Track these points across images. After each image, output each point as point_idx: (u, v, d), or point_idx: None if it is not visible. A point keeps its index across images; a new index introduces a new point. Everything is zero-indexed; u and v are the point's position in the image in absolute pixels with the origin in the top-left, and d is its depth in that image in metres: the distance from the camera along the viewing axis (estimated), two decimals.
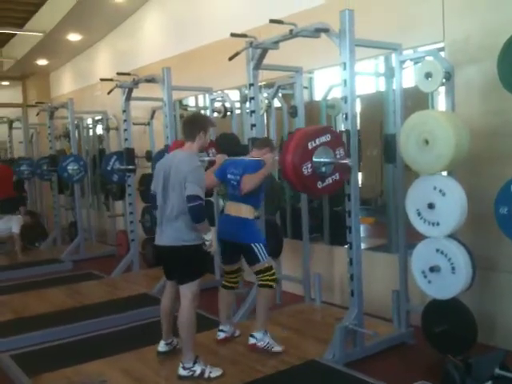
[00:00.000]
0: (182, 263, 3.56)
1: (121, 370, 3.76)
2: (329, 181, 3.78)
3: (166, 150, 5.97)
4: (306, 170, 3.64)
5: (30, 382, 3.59)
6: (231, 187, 3.99)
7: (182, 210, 3.48)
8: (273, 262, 3.98)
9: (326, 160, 3.71)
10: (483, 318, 3.95)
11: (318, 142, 3.69)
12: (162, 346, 3.94)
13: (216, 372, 3.56)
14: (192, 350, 3.55)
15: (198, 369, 3.53)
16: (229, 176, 3.97)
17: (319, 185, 3.75)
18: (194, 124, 3.65)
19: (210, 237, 3.54)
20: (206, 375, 3.52)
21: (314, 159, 3.67)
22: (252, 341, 3.87)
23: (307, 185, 3.75)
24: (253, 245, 3.85)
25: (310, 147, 3.65)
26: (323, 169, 3.72)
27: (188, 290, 3.54)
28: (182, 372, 3.54)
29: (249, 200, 3.89)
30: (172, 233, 3.54)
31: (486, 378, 3.01)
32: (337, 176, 3.82)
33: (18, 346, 4.34)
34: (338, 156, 3.77)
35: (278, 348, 3.89)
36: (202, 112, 7.54)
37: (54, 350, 4.27)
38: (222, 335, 4.06)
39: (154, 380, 3.63)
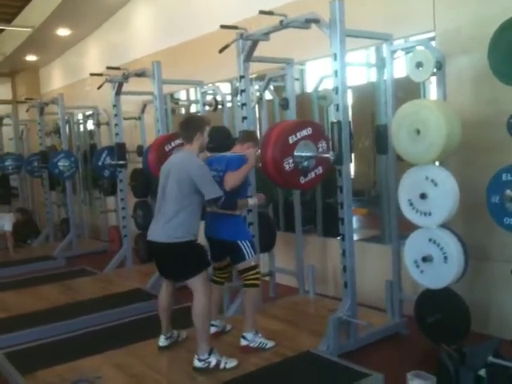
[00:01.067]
0: (178, 260, 3.57)
1: (115, 366, 3.75)
2: (311, 175, 3.77)
3: None
4: (288, 165, 3.61)
5: (24, 380, 3.57)
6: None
7: (179, 207, 3.50)
8: (258, 259, 3.93)
9: (308, 154, 3.68)
10: (476, 307, 3.96)
11: (298, 135, 3.67)
12: (162, 341, 3.94)
13: (231, 363, 3.57)
14: (207, 341, 3.55)
15: (213, 360, 3.53)
16: (213, 173, 3.84)
17: (302, 180, 3.73)
18: (189, 126, 3.67)
19: (252, 202, 3.87)
20: (222, 366, 3.53)
21: (296, 154, 3.63)
22: (244, 342, 3.86)
23: (289, 180, 3.73)
24: (239, 242, 3.79)
25: (290, 142, 3.63)
26: (305, 163, 3.70)
27: (196, 284, 3.54)
28: (197, 364, 3.54)
29: (234, 196, 3.78)
30: (166, 230, 3.54)
31: (479, 366, 3.02)
32: (319, 170, 3.80)
33: (11, 344, 4.31)
34: (320, 149, 3.75)
35: (270, 344, 3.89)
36: (194, 106, 7.50)
37: (47, 347, 4.26)
38: (213, 330, 4.04)
39: (149, 375, 3.61)
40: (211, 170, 3.87)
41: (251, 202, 3.88)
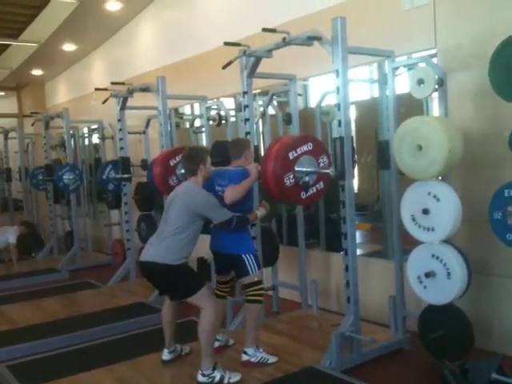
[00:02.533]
0: (173, 283, 3.63)
1: (117, 380, 3.75)
2: (313, 190, 3.77)
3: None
4: (288, 180, 3.61)
5: None
6: (219, 198, 3.85)
7: (175, 231, 3.56)
8: (261, 274, 3.93)
9: (309, 169, 3.69)
10: (479, 322, 3.95)
11: (299, 151, 3.68)
12: (165, 355, 3.95)
13: (235, 377, 3.58)
14: (211, 356, 3.57)
15: (217, 375, 3.54)
16: (217, 188, 3.88)
17: (303, 195, 3.73)
18: (191, 161, 3.76)
19: (260, 214, 3.89)
20: (226, 381, 3.54)
21: (296, 169, 3.65)
22: (245, 357, 3.85)
23: (290, 196, 3.73)
24: (243, 255, 3.79)
25: (291, 157, 3.63)
26: (306, 178, 3.70)
27: (199, 302, 3.56)
28: (200, 379, 3.54)
29: (237, 210, 3.77)
30: (158, 250, 3.57)
31: (483, 382, 3.02)
32: (321, 185, 3.80)
33: (14, 357, 4.33)
34: (321, 164, 3.76)
35: (272, 360, 3.88)
36: (198, 120, 7.54)
37: (50, 360, 4.26)
38: (216, 344, 4.03)
39: None
40: (215, 185, 3.90)
41: (260, 214, 3.91)
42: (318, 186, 3.79)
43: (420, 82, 3.86)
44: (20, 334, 4.93)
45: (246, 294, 3.86)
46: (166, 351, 3.95)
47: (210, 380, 3.53)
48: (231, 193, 3.70)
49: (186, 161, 3.82)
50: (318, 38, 3.72)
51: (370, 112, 5.63)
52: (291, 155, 3.64)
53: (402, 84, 4.35)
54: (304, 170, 3.68)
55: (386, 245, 5.17)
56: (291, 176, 3.63)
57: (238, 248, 3.83)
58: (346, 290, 3.92)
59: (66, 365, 4.10)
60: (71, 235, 8.85)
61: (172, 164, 5.35)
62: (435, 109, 4.58)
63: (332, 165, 3.81)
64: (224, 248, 3.88)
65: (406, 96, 4.47)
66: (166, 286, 3.74)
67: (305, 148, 3.71)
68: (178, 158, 5.30)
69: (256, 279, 3.82)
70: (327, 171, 3.75)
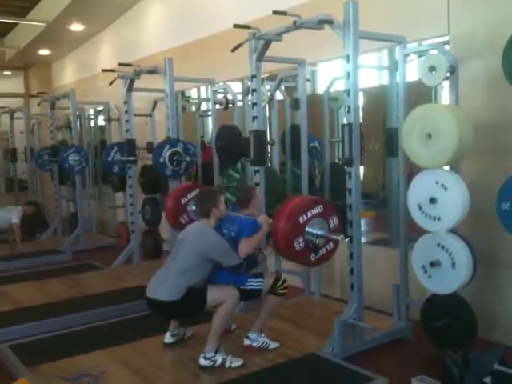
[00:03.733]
0: (181, 312, 3.66)
1: (120, 362, 3.76)
2: (322, 251, 3.75)
3: (168, 141, 5.97)
4: (298, 244, 3.61)
5: (28, 373, 3.58)
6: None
7: (184, 269, 3.54)
8: (272, 274, 3.91)
9: (319, 232, 3.67)
10: (483, 313, 3.93)
11: (309, 214, 3.65)
12: (168, 338, 3.96)
13: (237, 362, 3.59)
14: (216, 341, 3.57)
15: (219, 358, 3.55)
16: (224, 231, 3.82)
17: (312, 257, 3.72)
18: (205, 204, 3.75)
19: (268, 253, 3.83)
20: (227, 365, 3.55)
21: (307, 230, 3.63)
22: (247, 342, 3.85)
23: (300, 258, 3.76)
24: (243, 288, 3.71)
25: (301, 221, 3.61)
26: (316, 241, 3.68)
27: (217, 300, 3.56)
28: (202, 362, 3.56)
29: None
30: (165, 290, 3.53)
31: (485, 373, 3.01)
32: (331, 245, 3.78)
33: (16, 337, 4.34)
34: (331, 225, 3.74)
35: (274, 345, 3.88)
36: (204, 104, 7.50)
37: (52, 340, 4.28)
38: None
39: (153, 372, 3.61)
40: (223, 229, 3.83)
41: (267, 254, 3.85)
42: (327, 246, 3.77)
43: (432, 69, 3.80)
44: (23, 315, 4.94)
45: (276, 292, 3.81)
46: (168, 334, 3.96)
47: (212, 363, 3.54)
48: (245, 247, 3.67)
49: (199, 203, 3.82)
50: (330, 22, 3.67)
51: (377, 99, 5.58)
52: (301, 219, 3.62)
53: (411, 71, 4.30)
54: (314, 232, 3.66)
55: (391, 233, 5.15)
56: (301, 240, 3.62)
57: (237, 283, 3.71)
58: (349, 277, 3.91)
59: (68, 346, 4.11)
60: (75, 217, 8.85)
61: (183, 202, 5.35)
62: (444, 97, 4.53)
63: (341, 230, 3.81)
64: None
65: (415, 83, 4.43)
66: (176, 315, 3.79)
67: (315, 211, 3.69)
68: (189, 196, 5.33)
69: (271, 281, 3.79)
70: (337, 238, 3.72)
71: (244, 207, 3.95)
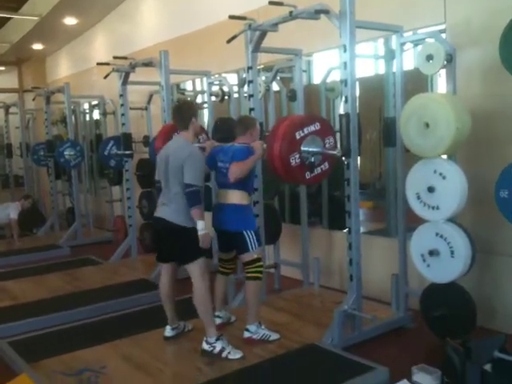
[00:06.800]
0: (180, 243, 3.62)
1: (120, 356, 3.75)
2: (317, 171, 3.74)
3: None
4: (294, 160, 3.58)
5: (29, 368, 3.57)
6: (221, 175, 3.85)
7: (177, 195, 3.57)
8: (262, 252, 3.90)
9: (315, 150, 3.65)
10: (483, 301, 3.94)
11: (306, 131, 3.64)
12: (168, 331, 3.96)
13: (235, 354, 3.58)
14: (212, 325, 3.61)
15: (218, 346, 3.57)
16: (219, 164, 3.84)
17: (307, 175, 3.71)
18: (183, 113, 3.71)
19: (201, 226, 3.51)
20: (224, 355, 3.56)
21: (302, 148, 3.61)
22: (247, 334, 3.85)
23: (295, 176, 3.71)
24: (244, 232, 3.76)
25: (297, 137, 3.59)
26: (312, 159, 3.67)
27: (193, 268, 3.60)
28: (204, 346, 3.61)
29: (240, 186, 3.76)
30: (172, 211, 3.60)
31: (485, 360, 3.02)
32: (326, 165, 3.77)
33: (16, 333, 4.32)
34: (327, 145, 3.72)
35: (274, 336, 3.88)
36: (200, 96, 7.47)
37: (52, 336, 4.26)
38: (218, 321, 4.03)
39: (154, 365, 3.61)
40: (218, 161, 3.86)
41: (198, 226, 3.55)
42: (323, 166, 3.76)
43: (429, 57, 3.78)
44: (22, 310, 4.93)
45: (246, 272, 3.85)
46: (168, 328, 3.96)
47: (211, 349, 3.58)
48: (236, 169, 3.67)
49: (178, 114, 3.76)
50: (326, 12, 3.65)
51: (374, 89, 5.55)
52: (298, 135, 3.60)
53: (407, 60, 4.28)
54: (310, 150, 3.64)
55: (389, 223, 5.15)
56: (297, 156, 3.59)
57: (239, 224, 3.80)
58: (348, 267, 3.90)
59: (67, 341, 4.10)
60: (72, 211, 8.84)
61: None
62: (441, 85, 4.51)
63: (338, 146, 3.77)
64: (225, 224, 3.86)
65: (411, 72, 4.41)
66: (173, 244, 3.69)
67: (312, 128, 3.66)
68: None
69: (255, 256, 3.81)
70: (334, 153, 3.70)
71: (240, 133, 3.91)
